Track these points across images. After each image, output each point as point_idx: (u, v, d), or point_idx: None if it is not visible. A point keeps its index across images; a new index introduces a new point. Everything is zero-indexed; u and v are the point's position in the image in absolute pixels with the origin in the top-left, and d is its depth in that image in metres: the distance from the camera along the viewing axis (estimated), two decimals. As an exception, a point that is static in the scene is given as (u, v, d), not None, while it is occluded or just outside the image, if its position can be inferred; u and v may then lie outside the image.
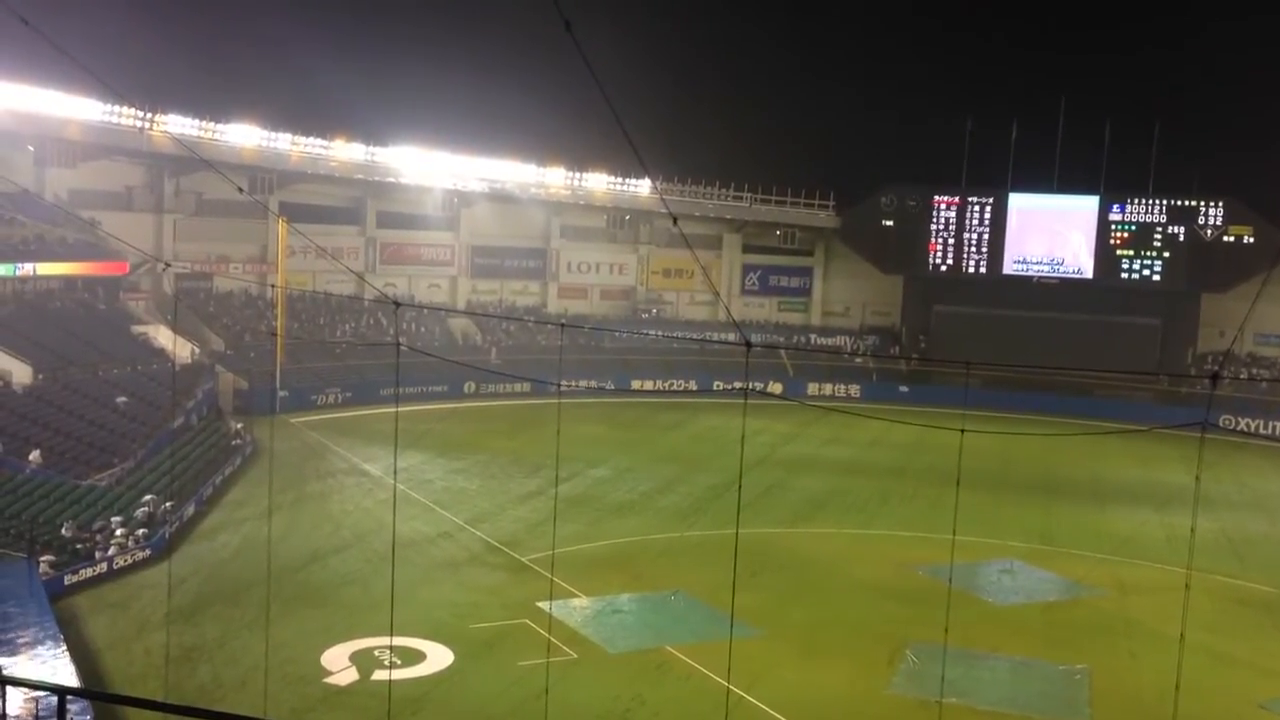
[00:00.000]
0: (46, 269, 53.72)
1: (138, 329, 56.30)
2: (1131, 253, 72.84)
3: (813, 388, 72.31)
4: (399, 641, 27.25)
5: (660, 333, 72.08)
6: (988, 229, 74.85)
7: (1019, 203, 74.66)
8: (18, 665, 22.30)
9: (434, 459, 49.74)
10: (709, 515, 41.88)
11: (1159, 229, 72.44)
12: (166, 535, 35.04)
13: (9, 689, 10.52)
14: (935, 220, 75.48)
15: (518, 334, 74.23)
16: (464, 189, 72.69)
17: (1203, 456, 31.01)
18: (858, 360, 75.58)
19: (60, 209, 53.18)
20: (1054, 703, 27.19)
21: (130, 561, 33.44)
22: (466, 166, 71.32)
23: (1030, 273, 74.65)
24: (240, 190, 47.77)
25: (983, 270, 75.12)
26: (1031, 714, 26.23)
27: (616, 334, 69.58)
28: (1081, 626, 32.36)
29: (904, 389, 71.56)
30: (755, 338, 74.31)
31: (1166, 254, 72.26)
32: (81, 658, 25.26)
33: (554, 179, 74.71)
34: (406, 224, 74.36)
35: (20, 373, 45.31)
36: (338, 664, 26.95)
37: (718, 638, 26.13)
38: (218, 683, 25.61)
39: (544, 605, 30.55)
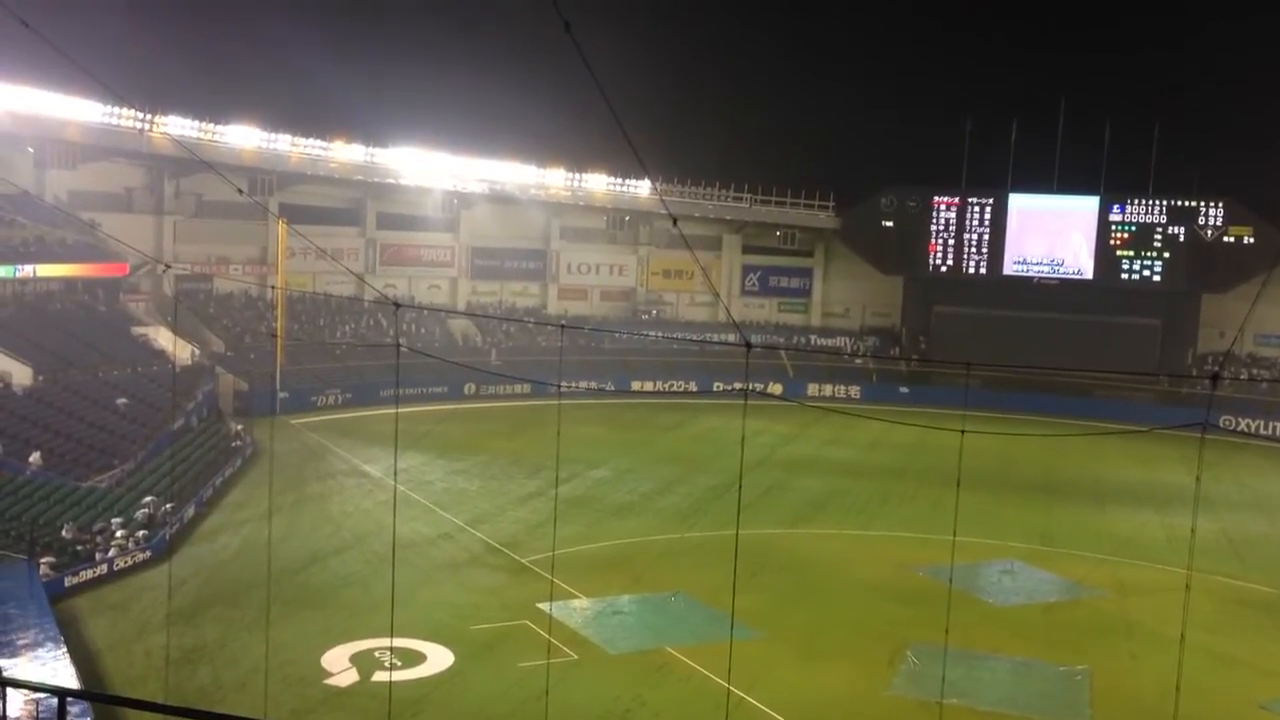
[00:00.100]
0: (46, 270, 53.81)
1: (138, 330, 56.31)
2: (1131, 253, 72.80)
3: (813, 389, 72.30)
4: (399, 643, 27.24)
5: (660, 334, 72.07)
6: (988, 229, 74.82)
7: (1019, 203, 74.63)
8: (18, 667, 22.31)
9: (434, 460, 49.75)
10: (709, 516, 41.88)
11: (1159, 229, 72.40)
12: (167, 537, 35.05)
13: (9, 691, 10.53)
14: (935, 221, 75.45)
15: (518, 335, 74.23)
16: (464, 190, 72.71)
17: (1203, 457, 31.11)
18: (858, 361, 75.54)
19: (60, 210, 53.18)
20: (1054, 703, 27.19)
21: (130, 563, 33.46)
22: (466, 168, 71.35)
23: (1030, 273, 74.60)
24: (240, 191, 47.84)
25: (983, 271, 75.08)
26: (1032, 715, 26.23)
27: (616, 335, 69.50)
28: (1082, 627, 32.35)
29: (904, 390, 71.55)
30: (755, 339, 74.26)
31: (1166, 254, 72.22)
32: (82, 659, 25.28)
33: (554, 180, 74.71)
34: (406, 225, 74.41)
35: (20, 374, 45.32)
36: (338, 665, 26.96)
37: (718, 639, 26.11)
38: (218, 684, 25.62)
39: (544, 606, 30.54)
